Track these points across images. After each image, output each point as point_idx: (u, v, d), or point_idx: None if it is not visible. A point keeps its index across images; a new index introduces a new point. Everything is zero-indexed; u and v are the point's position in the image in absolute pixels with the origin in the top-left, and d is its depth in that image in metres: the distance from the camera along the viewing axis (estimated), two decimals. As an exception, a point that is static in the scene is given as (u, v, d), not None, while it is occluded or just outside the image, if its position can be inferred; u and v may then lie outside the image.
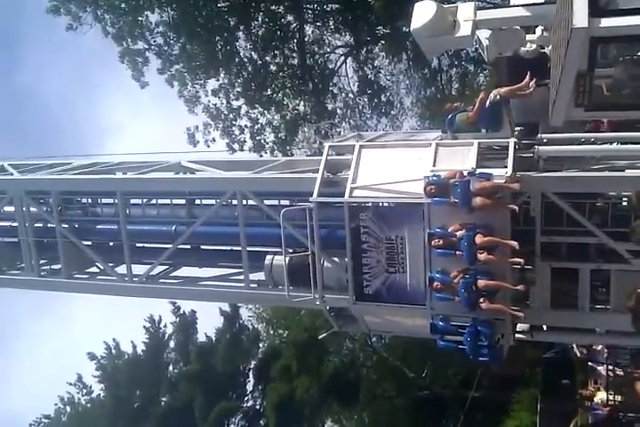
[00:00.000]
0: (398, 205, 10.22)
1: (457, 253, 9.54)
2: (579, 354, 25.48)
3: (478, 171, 9.53)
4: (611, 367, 24.09)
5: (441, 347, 10.38)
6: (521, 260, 9.44)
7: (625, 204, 10.32)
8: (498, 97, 10.15)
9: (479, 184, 9.25)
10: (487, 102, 10.20)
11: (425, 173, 9.79)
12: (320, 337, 18.36)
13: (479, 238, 9.33)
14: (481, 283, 9.44)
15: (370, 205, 10.32)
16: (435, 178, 9.64)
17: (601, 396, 23.92)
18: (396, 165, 10.40)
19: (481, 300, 9.47)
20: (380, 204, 10.40)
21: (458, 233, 9.52)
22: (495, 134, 10.26)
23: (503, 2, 21.44)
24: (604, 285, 10.60)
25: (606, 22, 8.24)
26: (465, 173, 9.48)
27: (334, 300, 11.02)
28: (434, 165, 10.00)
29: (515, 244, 9.28)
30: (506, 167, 9.55)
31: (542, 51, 12.89)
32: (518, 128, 10.47)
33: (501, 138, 10.16)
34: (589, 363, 25.41)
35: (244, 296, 13.03)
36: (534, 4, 11.72)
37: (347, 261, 10.55)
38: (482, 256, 9.36)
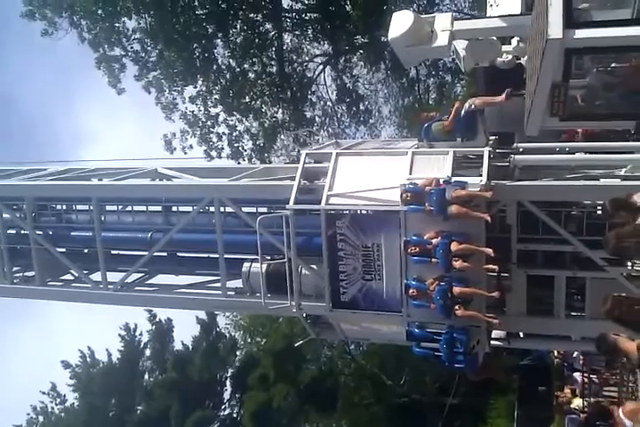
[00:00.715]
0: (375, 212, 10.25)
1: (433, 260, 9.60)
2: (556, 353, 25.55)
3: (454, 179, 9.61)
4: (586, 374, 24.24)
5: (417, 354, 10.41)
6: (495, 267, 9.50)
7: (599, 212, 10.43)
8: (472, 106, 10.25)
9: (454, 192, 9.33)
10: (462, 112, 10.30)
11: (401, 181, 9.83)
12: (296, 345, 18.33)
13: (454, 246, 9.40)
14: (456, 290, 9.51)
15: (346, 212, 10.33)
16: (411, 186, 9.69)
17: (577, 402, 24.05)
18: (372, 172, 10.44)
19: (456, 307, 9.53)
20: (357, 211, 10.42)
21: (433, 240, 9.58)
22: (470, 143, 10.36)
23: (480, 13, 21.68)
24: (579, 292, 10.71)
25: (581, 34, 8.35)
26: (441, 182, 9.55)
27: (311, 307, 11.00)
28: (410, 173, 10.06)
29: (490, 251, 9.34)
30: (481, 176, 9.64)
31: (518, 61, 13.07)
32: (493, 137, 10.57)
33: (476, 147, 10.25)
34: (565, 370, 25.57)
35: (220, 304, 12.93)
36: (510, 16, 11.88)
37: (323, 268, 10.55)
38: (457, 263, 9.42)
